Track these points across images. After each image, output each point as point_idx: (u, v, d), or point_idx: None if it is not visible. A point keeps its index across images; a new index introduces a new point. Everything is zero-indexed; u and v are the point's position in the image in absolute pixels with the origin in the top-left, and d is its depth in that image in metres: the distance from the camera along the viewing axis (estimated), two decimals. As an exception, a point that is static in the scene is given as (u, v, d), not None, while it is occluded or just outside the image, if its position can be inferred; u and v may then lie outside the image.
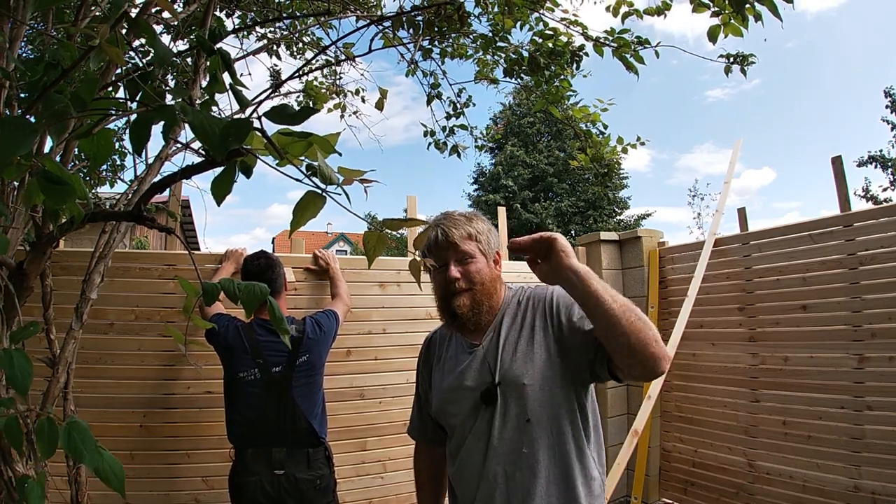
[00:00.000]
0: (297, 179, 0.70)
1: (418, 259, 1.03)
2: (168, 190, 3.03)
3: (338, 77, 4.11)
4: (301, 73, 3.20)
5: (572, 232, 19.92)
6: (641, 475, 3.71)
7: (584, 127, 3.47)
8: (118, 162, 3.97)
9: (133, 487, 2.64)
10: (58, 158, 1.65)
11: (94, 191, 3.47)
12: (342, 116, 4.14)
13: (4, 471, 1.32)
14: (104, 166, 3.86)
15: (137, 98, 0.70)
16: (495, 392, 1.36)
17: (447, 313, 1.45)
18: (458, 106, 3.67)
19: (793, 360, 3.11)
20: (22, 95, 1.20)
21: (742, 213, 3.69)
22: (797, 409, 3.06)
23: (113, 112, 0.81)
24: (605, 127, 3.40)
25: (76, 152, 1.94)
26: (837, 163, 3.16)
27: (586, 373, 1.34)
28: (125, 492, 0.89)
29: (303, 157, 0.72)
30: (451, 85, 3.61)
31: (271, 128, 0.69)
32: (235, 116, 0.68)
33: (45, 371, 1.98)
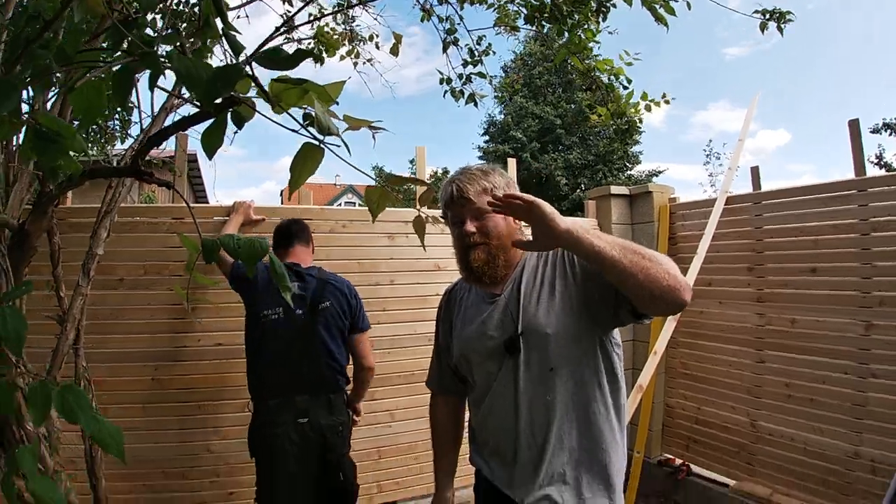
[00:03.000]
0: (293, 130, 0.66)
1: (423, 215, 1.00)
2: (175, 144, 3.01)
3: (350, 21, 3.99)
4: (315, 18, 3.11)
5: (582, 185, 19.79)
6: (645, 430, 3.76)
7: (607, 80, 3.34)
8: (127, 117, 3.92)
9: (146, 439, 2.72)
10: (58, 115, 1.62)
11: (104, 148, 3.44)
12: (355, 64, 4.04)
13: (17, 431, 1.34)
14: (113, 123, 3.82)
15: (124, 48, 0.67)
16: (518, 342, 1.38)
17: (464, 267, 1.46)
18: (477, 54, 3.55)
19: (800, 322, 3.09)
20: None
21: (755, 171, 3.61)
22: (801, 372, 3.06)
23: (102, 62, 0.77)
24: (629, 81, 3.26)
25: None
26: (854, 126, 3.05)
27: (610, 319, 1.35)
28: (125, 456, 0.88)
29: (305, 107, 0.69)
30: (468, 31, 3.49)
31: (272, 76, 0.66)
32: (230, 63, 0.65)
33: (57, 329, 2.01)
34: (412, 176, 0.86)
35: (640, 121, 3.43)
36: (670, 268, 1.18)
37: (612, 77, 3.28)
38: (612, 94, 3.35)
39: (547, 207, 1.19)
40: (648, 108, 3.29)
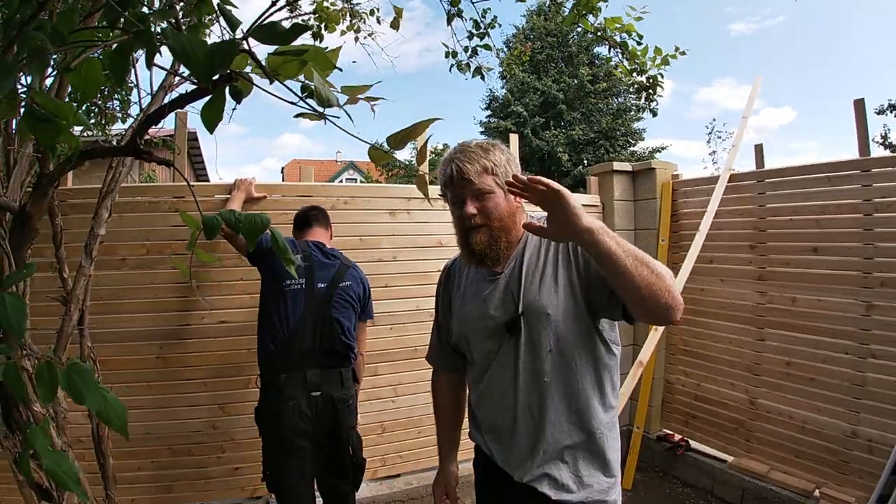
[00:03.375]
0: (291, 103, 0.65)
1: (425, 173, 0.99)
2: (174, 122, 2.99)
3: None
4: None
5: (585, 161, 19.67)
6: (644, 406, 3.80)
7: (619, 38, 3.26)
8: (127, 97, 3.89)
9: (152, 417, 2.75)
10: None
11: (105, 129, 3.44)
12: (356, 39, 3.98)
13: (23, 412, 1.36)
14: (114, 103, 3.79)
15: (120, 26, 0.66)
16: (519, 322, 1.38)
17: (466, 249, 1.44)
18: (482, 26, 3.49)
19: (801, 301, 3.09)
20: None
21: (759, 149, 3.58)
22: (801, 351, 3.07)
23: (98, 41, 0.76)
24: (641, 37, 3.19)
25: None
26: (859, 106, 3.01)
27: (602, 311, 1.36)
28: (128, 432, 0.89)
29: (303, 79, 0.67)
30: (472, 3, 3.43)
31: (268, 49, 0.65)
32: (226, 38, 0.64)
33: (61, 310, 2.02)
34: (408, 130, 0.83)
35: (662, 76, 3.34)
36: (671, 285, 1.18)
37: (625, 34, 3.19)
38: (627, 52, 3.25)
39: (572, 200, 1.14)
40: (666, 62, 3.21)
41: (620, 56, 3.26)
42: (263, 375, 2.37)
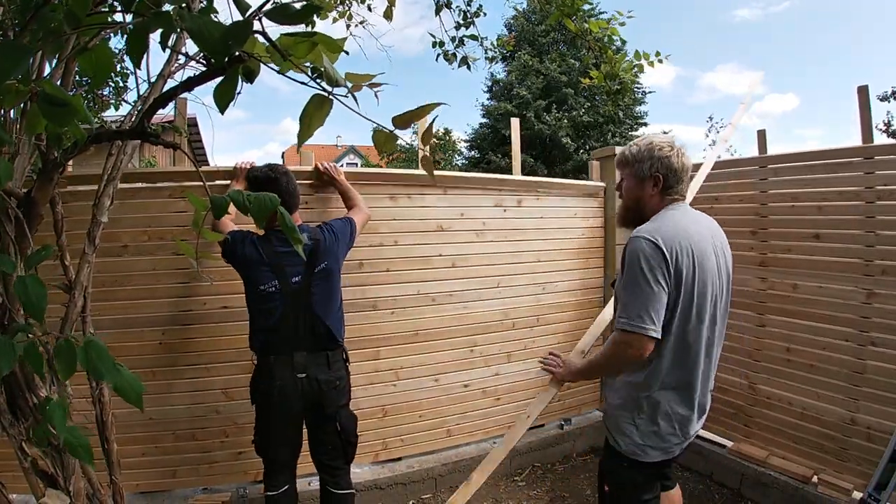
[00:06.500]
0: (301, 83, 0.67)
1: (428, 154, 1.01)
2: (174, 108, 2.97)
3: None
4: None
5: (588, 145, 19.86)
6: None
7: (599, 41, 3.30)
8: (121, 84, 3.88)
9: (156, 403, 2.76)
10: (58, 84, 1.60)
11: (99, 115, 3.41)
12: (348, 26, 3.96)
13: (30, 398, 1.36)
14: (108, 90, 3.78)
15: (133, 8, 0.66)
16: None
17: None
18: (468, 15, 3.50)
19: (801, 288, 3.10)
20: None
21: (762, 135, 3.55)
22: (802, 338, 3.09)
23: (111, 23, 0.76)
24: (623, 43, 3.24)
25: (77, 78, 1.88)
26: (863, 93, 2.98)
27: None
28: (143, 406, 0.92)
29: (308, 64, 0.69)
30: None
31: (275, 32, 0.66)
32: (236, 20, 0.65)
33: (63, 297, 2.02)
34: (412, 112, 0.85)
35: (633, 82, 3.40)
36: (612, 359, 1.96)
37: (606, 38, 3.25)
38: (604, 56, 3.31)
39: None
40: (641, 69, 3.24)
41: (597, 57, 3.31)
42: (256, 355, 2.45)
